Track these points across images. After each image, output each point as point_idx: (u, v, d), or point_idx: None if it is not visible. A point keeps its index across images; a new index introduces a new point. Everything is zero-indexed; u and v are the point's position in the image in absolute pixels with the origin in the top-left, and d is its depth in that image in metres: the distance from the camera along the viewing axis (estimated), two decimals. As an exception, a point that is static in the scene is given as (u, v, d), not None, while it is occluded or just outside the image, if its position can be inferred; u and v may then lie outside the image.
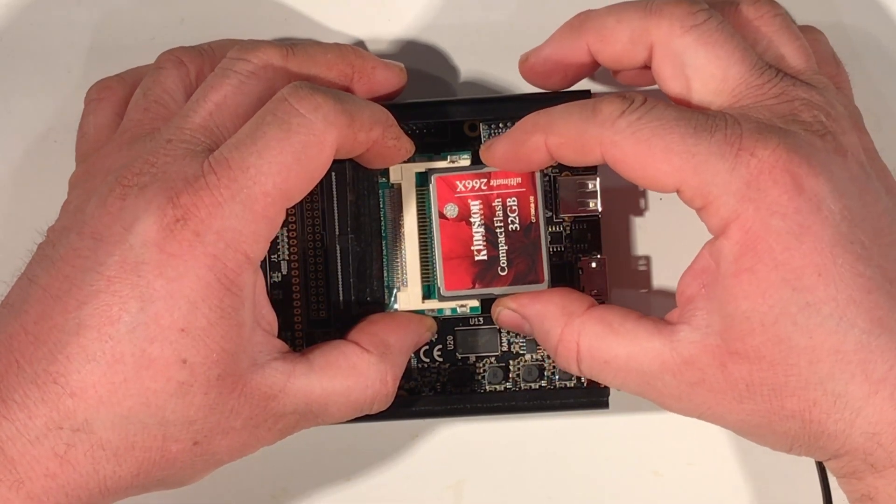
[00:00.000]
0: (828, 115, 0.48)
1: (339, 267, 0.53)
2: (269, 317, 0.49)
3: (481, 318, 0.54)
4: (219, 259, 0.46)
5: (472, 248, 0.51)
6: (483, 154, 0.51)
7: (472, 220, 0.51)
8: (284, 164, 0.46)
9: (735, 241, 0.46)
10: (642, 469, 0.56)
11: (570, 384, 0.54)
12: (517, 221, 0.51)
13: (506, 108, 0.53)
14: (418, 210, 0.52)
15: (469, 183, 0.51)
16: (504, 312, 0.52)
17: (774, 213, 0.46)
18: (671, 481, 0.56)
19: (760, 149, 0.46)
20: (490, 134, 0.54)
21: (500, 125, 0.54)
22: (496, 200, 0.51)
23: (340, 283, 0.53)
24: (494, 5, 0.56)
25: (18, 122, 0.57)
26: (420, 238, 0.52)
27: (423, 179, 0.52)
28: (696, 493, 0.56)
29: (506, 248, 0.51)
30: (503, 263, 0.51)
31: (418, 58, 0.56)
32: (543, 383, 0.54)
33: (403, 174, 0.52)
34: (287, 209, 0.47)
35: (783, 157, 0.46)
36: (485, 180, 0.51)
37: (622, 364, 0.48)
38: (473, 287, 0.51)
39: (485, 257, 0.51)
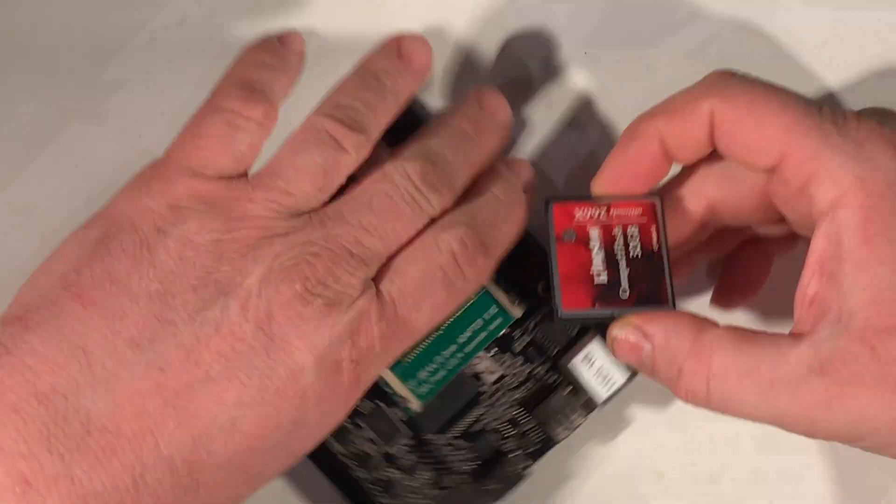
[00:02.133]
0: None
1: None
2: None
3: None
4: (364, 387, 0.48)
5: (592, 271, 0.48)
6: (595, 184, 0.49)
7: (591, 245, 0.48)
8: (440, 317, 0.49)
9: (858, 207, 0.44)
10: (642, 469, 0.56)
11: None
12: (639, 248, 0.48)
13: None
14: None
15: (588, 211, 0.48)
16: (621, 336, 0.47)
17: (892, 171, 0.44)
18: (671, 481, 0.56)
19: (863, 122, 0.45)
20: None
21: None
22: (616, 228, 0.48)
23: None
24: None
25: (18, 121, 0.57)
26: None
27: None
28: (696, 492, 0.56)
29: (627, 270, 0.48)
30: (625, 286, 0.48)
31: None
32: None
33: None
34: None
35: (886, 129, 0.45)
36: (604, 209, 0.48)
37: (765, 376, 0.45)
38: (593, 307, 0.48)
39: (605, 280, 0.48)
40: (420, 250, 0.48)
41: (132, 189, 0.48)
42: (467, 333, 0.52)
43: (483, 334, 0.52)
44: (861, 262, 0.44)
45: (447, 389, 0.52)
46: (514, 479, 0.53)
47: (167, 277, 0.45)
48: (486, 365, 0.53)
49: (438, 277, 0.48)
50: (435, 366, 0.52)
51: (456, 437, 0.53)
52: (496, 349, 0.53)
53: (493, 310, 0.52)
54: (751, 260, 0.53)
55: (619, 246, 0.48)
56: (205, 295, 0.45)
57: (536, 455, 0.53)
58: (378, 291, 0.47)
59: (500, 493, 0.53)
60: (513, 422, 0.53)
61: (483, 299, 0.51)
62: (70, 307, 0.44)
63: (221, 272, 0.45)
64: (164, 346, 0.44)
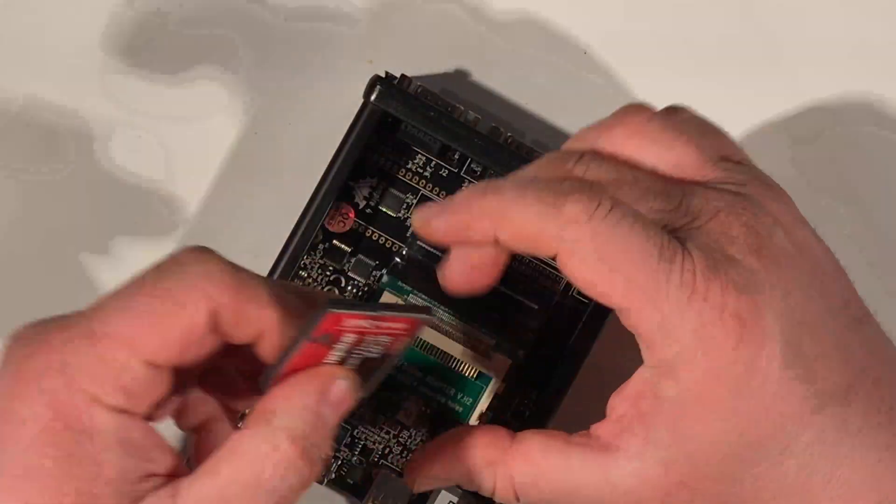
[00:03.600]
0: (755, 221, 0.46)
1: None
2: (161, 458, 0.44)
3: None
4: (58, 396, 0.42)
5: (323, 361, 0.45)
6: (417, 222, 0.48)
7: (335, 346, 0.44)
8: (134, 306, 0.43)
9: (683, 387, 0.45)
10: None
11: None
12: (376, 352, 0.45)
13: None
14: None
15: (357, 322, 0.43)
16: (425, 484, 0.49)
17: (723, 362, 0.44)
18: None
19: (711, 291, 0.44)
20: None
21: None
22: (371, 336, 0.44)
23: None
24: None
25: (19, 121, 0.57)
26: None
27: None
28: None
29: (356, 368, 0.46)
30: None
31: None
32: None
33: None
34: (152, 374, 0.43)
35: (731, 300, 0.44)
36: (375, 324, 0.44)
37: (564, 498, 0.47)
38: None
39: None
40: None
41: None
42: (437, 381, 0.53)
43: (440, 397, 0.53)
44: (673, 427, 0.45)
45: None
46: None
47: None
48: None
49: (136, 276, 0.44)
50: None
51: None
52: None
53: (468, 400, 0.53)
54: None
55: (362, 347, 0.45)
56: None
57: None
58: None
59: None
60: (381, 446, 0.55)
61: (475, 385, 0.53)
62: None
63: None
64: None
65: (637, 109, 0.48)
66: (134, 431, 0.43)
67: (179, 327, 0.43)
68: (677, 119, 0.48)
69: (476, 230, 0.46)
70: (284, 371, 0.44)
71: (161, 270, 0.43)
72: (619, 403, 0.46)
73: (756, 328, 0.44)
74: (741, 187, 0.47)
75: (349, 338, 0.44)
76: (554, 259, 0.45)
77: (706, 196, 0.46)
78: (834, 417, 0.45)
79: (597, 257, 0.45)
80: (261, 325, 0.44)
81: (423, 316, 0.45)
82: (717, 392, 0.44)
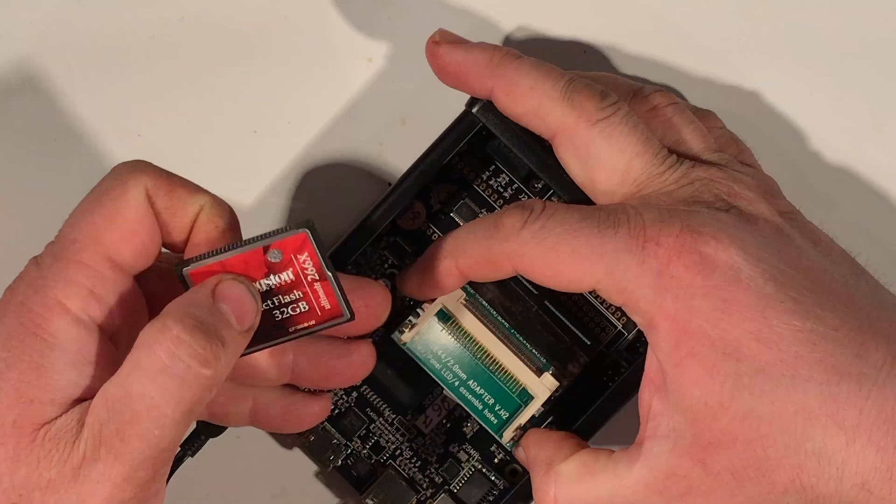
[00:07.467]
0: (730, 191, 0.48)
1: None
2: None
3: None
4: (25, 304, 0.45)
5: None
6: (399, 283, 0.52)
7: (273, 274, 0.46)
8: (86, 210, 0.46)
9: (666, 332, 0.46)
10: None
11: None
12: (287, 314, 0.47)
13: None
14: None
15: (309, 262, 0.46)
16: (519, 452, 0.52)
17: (694, 294, 0.45)
18: None
19: (665, 236, 0.46)
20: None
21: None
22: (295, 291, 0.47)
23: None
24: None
25: (19, 120, 0.57)
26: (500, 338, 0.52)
27: (443, 315, 0.52)
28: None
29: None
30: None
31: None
32: None
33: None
34: (117, 276, 0.46)
35: (689, 240, 0.46)
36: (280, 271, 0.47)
37: (606, 502, 0.48)
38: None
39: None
40: None
41: None
42: (478, 387, 0.52)
43: (477, 402, 0.52)
44: (678, 382, 0.46)
45: (418, 370, 0.52)
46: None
47: None
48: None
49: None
50: (444, 357, 0.51)
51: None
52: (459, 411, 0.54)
53: (504, 414, 0.52)
54: None
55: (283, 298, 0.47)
56: None
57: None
58: None
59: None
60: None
61: (515, 400, 0.52)
62: None
63: None
64: None
65: (663, 95, 0.51)
66: (91, 346, 0.45)
67: (126, 213, 0.46)
68: (689, 115, 0.51)
69: (440, 269, 0.50)
70: (211, 267, 0.45)
71: (98, 183, 0.47)
72: (643, 399, 0.48)
73: (724, 262, 0.46)
74: (734, 173, 0.49)
75: (288, 275, 0.46)
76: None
77: (693, 169, 0.48)
78: (844, 353, 0.45)
79: (541, 253, 0.47)
80: (195, 208, 0.47)
81: (301, 230, 0.46)
82: (697, 323, 0.45)
